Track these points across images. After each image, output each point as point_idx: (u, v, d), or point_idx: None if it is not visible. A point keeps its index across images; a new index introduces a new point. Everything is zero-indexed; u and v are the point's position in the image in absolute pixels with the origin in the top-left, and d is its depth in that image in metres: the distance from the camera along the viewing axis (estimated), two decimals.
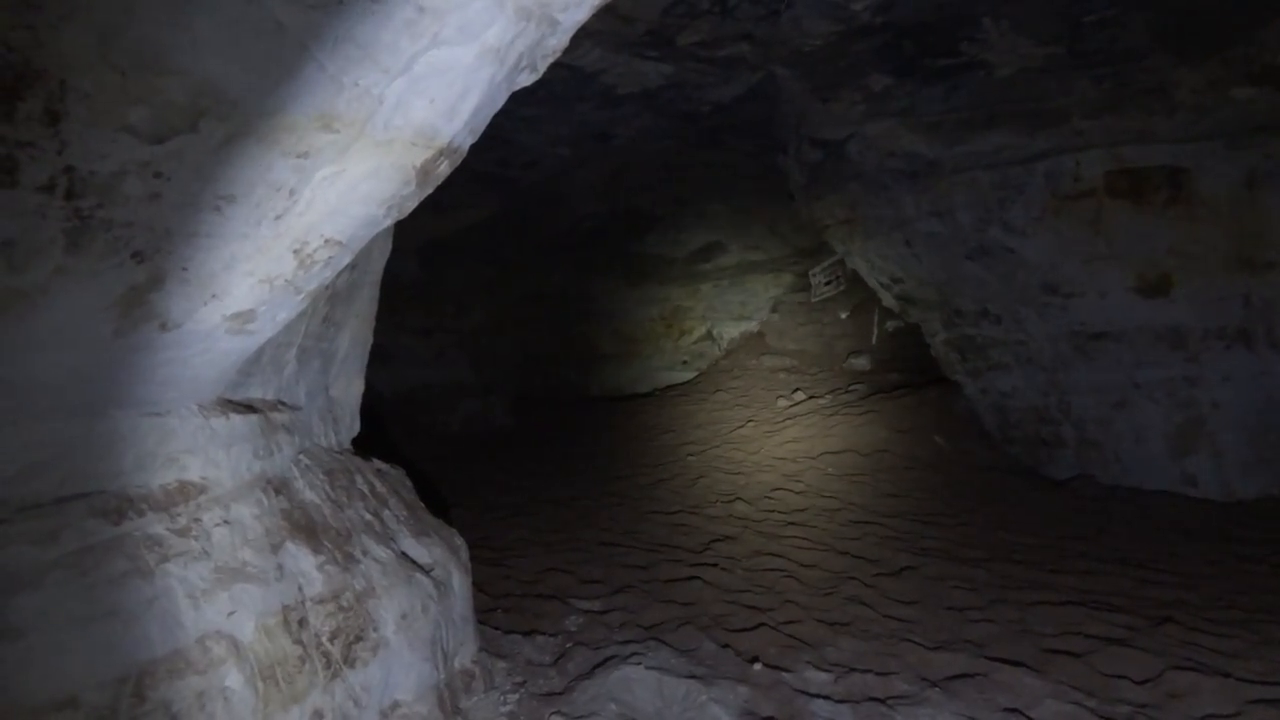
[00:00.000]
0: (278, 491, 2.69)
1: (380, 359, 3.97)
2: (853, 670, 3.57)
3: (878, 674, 3.53)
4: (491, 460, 9.94)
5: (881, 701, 3.28)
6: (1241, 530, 5.95)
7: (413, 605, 2.97)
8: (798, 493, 7.25)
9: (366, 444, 3.91)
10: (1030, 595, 4.48)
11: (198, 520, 2.29)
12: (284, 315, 2.25)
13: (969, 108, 6.94)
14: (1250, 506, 6.69)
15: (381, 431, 9.32)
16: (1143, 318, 7.12)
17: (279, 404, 2.89)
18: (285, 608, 2.44)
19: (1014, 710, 3.18)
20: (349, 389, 3.67)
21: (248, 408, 2.62)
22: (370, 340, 3.76)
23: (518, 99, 2.60)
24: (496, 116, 2.39)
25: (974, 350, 8.46)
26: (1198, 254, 6.77)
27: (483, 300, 12.28)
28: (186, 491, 2.30)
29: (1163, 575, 4.84)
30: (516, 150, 8.77)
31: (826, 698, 3.34)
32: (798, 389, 11.29)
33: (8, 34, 1.27)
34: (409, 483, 3.85)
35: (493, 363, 12.47)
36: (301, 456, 2.99)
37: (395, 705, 2.83)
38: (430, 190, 2.30)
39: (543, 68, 2.37)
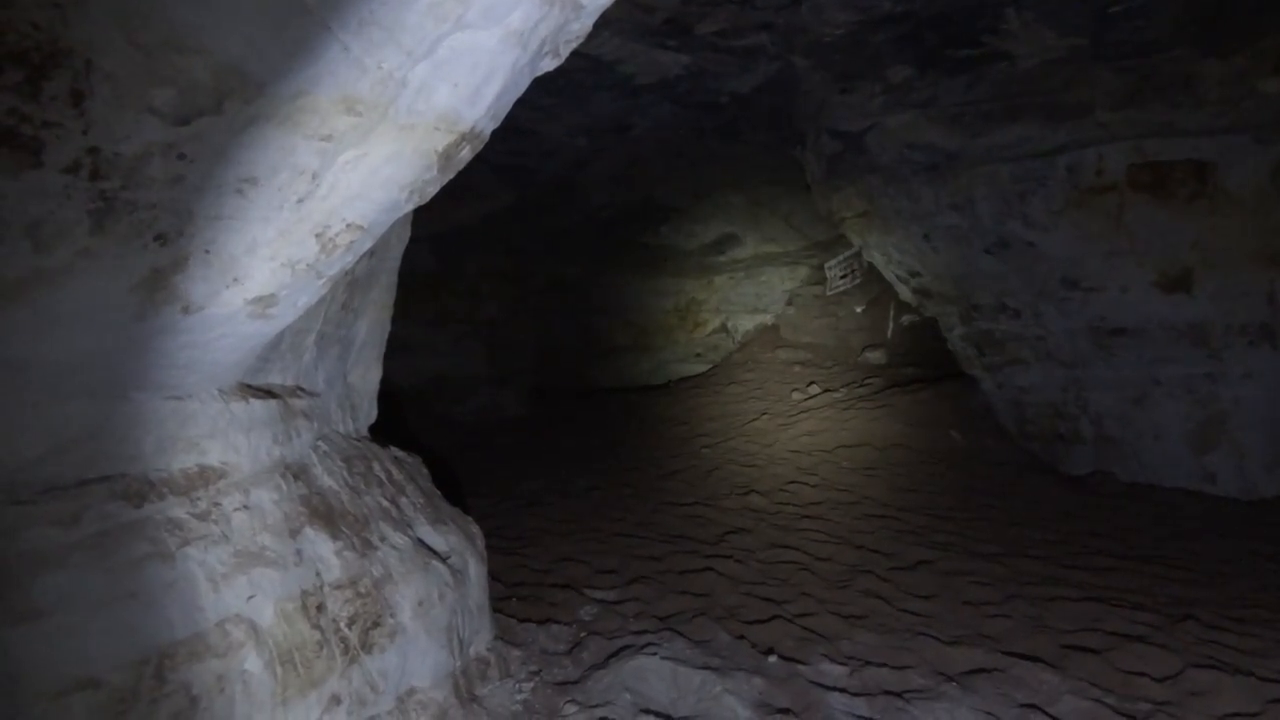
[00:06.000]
0: (296, 477, 2.69)
1: (395, 348, 3.97)
2: (868, 664, 3.55)
3: (894, 668, 3.51)
4: (506, 450, 9.96)
5: (898, 695, 3.26)
6: (1263, 528, 5.88)
7: (429, 592, 2.98)
8: (812, 486, 7.22)
9: (382, 432, 3.92)
10: (1048, 591, 4.44)
11: (217, 504, 2.30)
12: (305, 300, 2.24)
13: (990, 99, 6.87)
14: (1272, 504, 6.61)
15: (397, 420, 9.35)
16: (1164, 313, 7.04)
17: (298, 390, 2.90)
18: (304, 593, 2.45)
19: (1032, 706, 3.15)
20: (367, 376, 3.68)
21: (267, 393, 2.62)
22: (388, 328, 3.76)
23: (536, 88, 2.59)
24: (514, 106, 2.38)
25: (992, 345, 8.39)
26: (1221, 249, 6.68)
27: (498, 290, 12.29)
28: (206, 476, 2.30)
29: (1182, 572, 4.79)
30: (534, 140, 8.76)
31: (842, 690, 3.32)
32: (812, 382, 11.24)
33: (34, 13, 1.27)
34: (426, 470, 3.86)
35: (507, 353, 12.49)
36: (320, 443, 2.99)
37: (411, 691, 2.84)
38: (452, 175, 2.30)
39: (565, 53, 2.35)
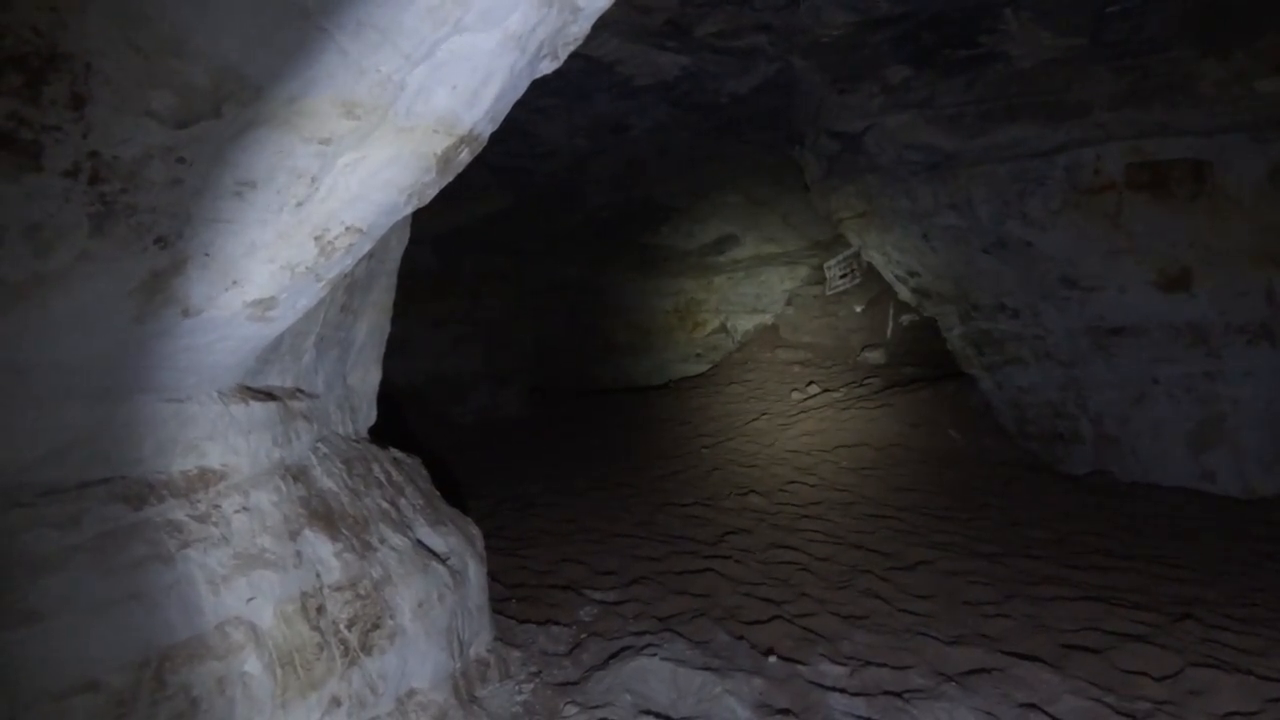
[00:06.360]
0: (296, 479, 2.69)
1: (395, 349, 3.98)
2: (868, 664, 3.55)
3: (893, 668, 3.51)
4: (505, 451, 9.96)
5: (897, 695, 3.26)
6: (1261, 527, 5.89)
7: (429, 594, 2.98)
8: (812, 486, 7.23)
9: (381, 433, 3.92)
10: (1047, 591, 4.44)
11: (217, 506, 2.30)
12: (304, 303, 2.25)
13: (988, 100, 6.88)
14: (1270, 503, 6.62)
15: (396, 421, 9.35)
16: (1163, 313, 7.05)
17: (297, 392, 2.90)
18: (304, 595, 2.45)
19: (1032, 706, 3.16)
20: (366, 378, 3.68)
21: (267, 395, 2.63)
22: (387, 329, 3.76)
23: (535, 89, 2.59)
24: (513, 107, 2.38)
25: (991, 344, 8.40)
26: (1220, 248, 6.69)
27: (497, 291, 12.29)
28: (206, 478, 2.30)
29: (1181, 572, 4.79)
30: (533, 141, 8.77)
31: (842, 691, 3.33)
32: (812, 382, 11.25)
33: (34, 17, 1.27)
34: (425, 472, 3.86)
35: (507, 353, 12.49)
36: (319, 444, 3.00)
37: (411, 693, 2.84)
38: (451, 178, 2.30)
39: (564, 55, 2.35)
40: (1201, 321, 6.94)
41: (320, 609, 2.50)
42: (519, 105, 2.46)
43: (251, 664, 2.20)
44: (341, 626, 2.57)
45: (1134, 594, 4.39)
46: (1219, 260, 6.73)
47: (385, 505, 3.17)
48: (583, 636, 3.90)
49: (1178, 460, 7.23)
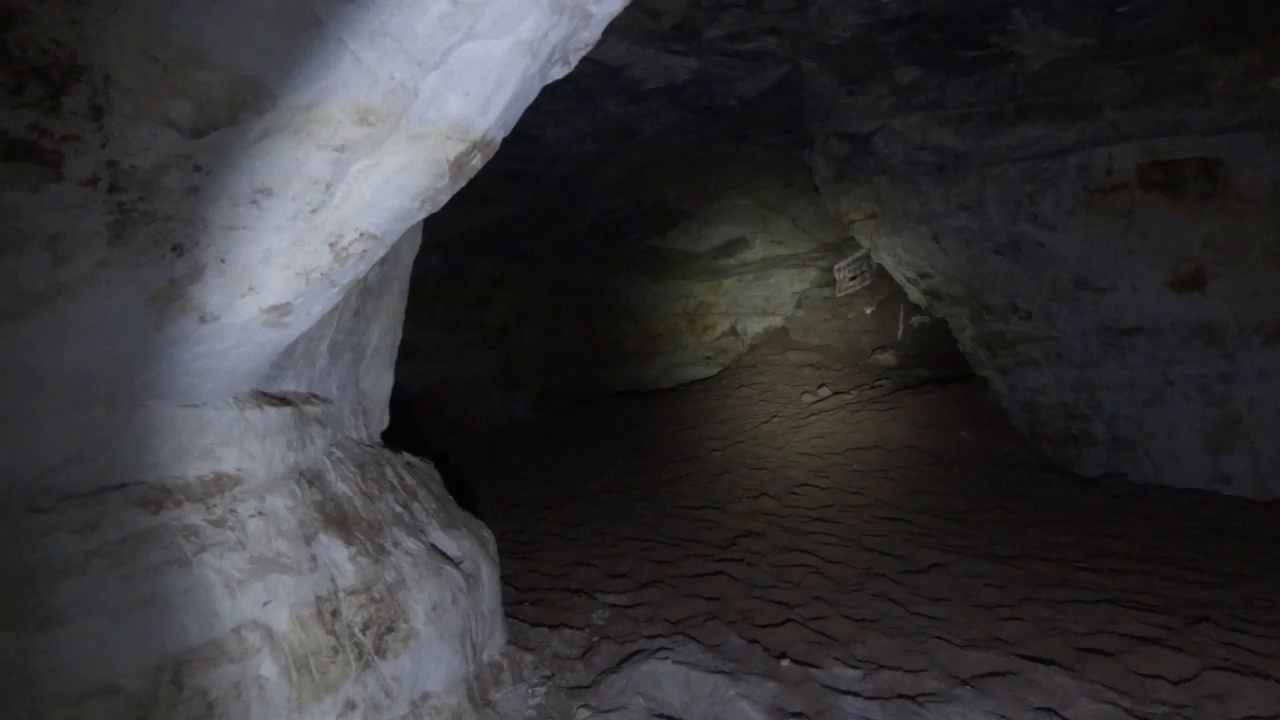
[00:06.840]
0: (311, 483, 2.71)
1: (406, 353, 4.00)
2: (882, 667, 3.54)
3: (907, 671, 3.50)
4: (516, 454, 9.98)
5: (911, 699, 3.25)
6: (1278, 529, 5.84)
7: (443, 597, 2.99)
8: (824, 489, 7.21)
9: (394, 437, 3.94)
10: (1062, 594, 4.42)
11: (233, 511, 2.31)
12: (319, 308, 2.26)
13: (999, 100, 6.86)
14: None
15: (408, 424, 9.38)
16: (1176, 313, 7.00)
17: (312, 397, 2.92)
18: (318, 598, 2.46)
19: (1047, 709, 3.14)
20: (379, 382, 3.70)
21: (282, 400, 2.64)
22: (400, 334, 3.78)
23: (545, 94, 2.60)
24: (524, 111, 2.39)
25: (1003, 346, 8.36)
26: (1234, 248, 6.64)
27: (507, 295, 12.33)
28: (222, 483, 2.32)
29: (1197, 574, 4.75)
30: (542, 145, 8.79)
31: (855, 694, 3.32)
32: (823, 384, 11.23)
33: (55, 30, 1.28)
34: (438, 475, 3.87)
35: (517, 357, 12.52)
36: (333, 449, 3.01)
37: (425, 696, 2.85)
38: (463, 184, 2.31)
39: (575, 60, 2.36)
40: (1216, 321, 6.88)
41: (335, 613, 2.51)
42: (529, 109, 2.47)
43: (267, 668, 2.21)
44: (356, 630, 2.58)
45: (1149, 597, 4.36)
46: (1233, 260, 6.68)
47: (399, 509, 3.18)
48: (595, 640, 3.90)
49: (1192, 462, 7.17)
